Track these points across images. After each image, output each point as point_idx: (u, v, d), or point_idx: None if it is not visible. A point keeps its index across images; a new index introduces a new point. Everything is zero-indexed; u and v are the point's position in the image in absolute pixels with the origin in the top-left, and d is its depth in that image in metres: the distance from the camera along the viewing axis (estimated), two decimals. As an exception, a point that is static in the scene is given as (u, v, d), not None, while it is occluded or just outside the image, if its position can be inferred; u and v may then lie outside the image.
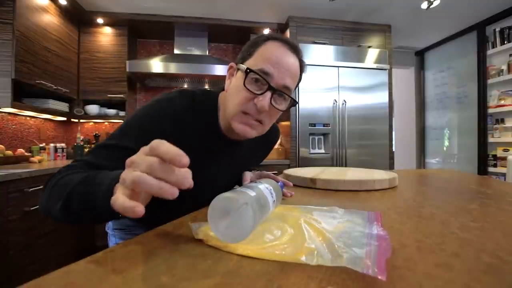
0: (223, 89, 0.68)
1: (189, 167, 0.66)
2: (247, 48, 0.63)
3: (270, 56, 0.58)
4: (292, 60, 0.60)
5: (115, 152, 0.54)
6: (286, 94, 0.60)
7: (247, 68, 0.57)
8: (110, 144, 0.55)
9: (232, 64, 0.65)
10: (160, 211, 0.70)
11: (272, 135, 0.87)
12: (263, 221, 0.42)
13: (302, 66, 0.64)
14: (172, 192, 0.29)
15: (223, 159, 0.70)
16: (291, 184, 0.70)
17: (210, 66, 2.54)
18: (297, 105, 2.49)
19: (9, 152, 1.90)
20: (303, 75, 0.67)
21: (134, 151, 0.54)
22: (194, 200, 0.67)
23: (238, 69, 0.61)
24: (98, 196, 0.38)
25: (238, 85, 0.59)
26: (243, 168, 0.80)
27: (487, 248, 0.35)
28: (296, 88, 0.66)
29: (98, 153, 0.54)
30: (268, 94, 0.57)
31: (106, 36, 2.61)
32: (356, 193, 0.76)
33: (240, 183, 0.81)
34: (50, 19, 2.13)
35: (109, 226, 0.85)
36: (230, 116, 0.60)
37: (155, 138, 0.57)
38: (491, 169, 2.77)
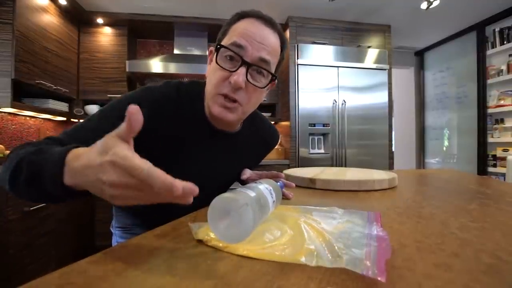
0: None
1: (176, 157, 0.66)
2: (222, 29, 0.61)
3: (243, 30, 0.55)
4: (268, 34, 0.57)
5: (90, 134, 0.51)
6: (263, 69, 0.56)
7: (218, 44, 0.55)
8: (87, 126, 0.53)
9: (212, 48, 0.63)
10: (157, 210, 0.70)
11: (270, 137, 0.85)
12: (263, 222, 0.42)
13: (283, 42, 0.61)
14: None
15: (213, 151, 0.68)
16: (293, 185, 0.69)
17: (210, 66, 2.54)
18: (297, 105, 2.49)
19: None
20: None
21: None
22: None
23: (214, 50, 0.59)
24: (47, 164, 0.37)
25: (213, 66, 0.57)
26: (238, 166, 0.78)
27: (486, 248, 0.35)
28: (278, 66, 0.62)
29: (72, 133, 0.52)
30: (243, 69, 0.54)
31: (106, 36, 2.61)
32: (355, 193, 0.76)
33: (240, 184, 0.80)
34: (50, 19, 2.13)
35: (112, 224, 0.85)
36: (208, 100, 0.59)
37: None
38: (490, 169, 2.77)
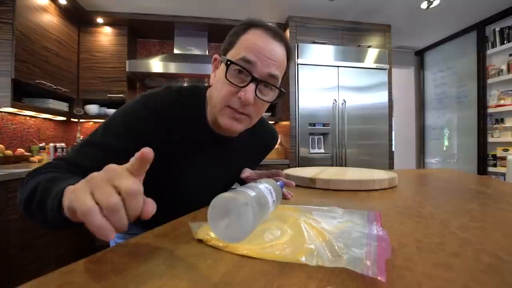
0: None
1: (178, 163, 0.66)
2: (228, 38, 0.60)
3: (252, 44, 0.55)
4: (276, 48, 0.57)
5: (96, 150, 0.53)
6: (271, 85, 0.57)
7: (228, 60, 0.54)
8: (93, 142, 0.54)
9: (216, 56, 0.63)
10: (157, 211, 0.70)
11: (269, 138, 0.85)
12: (263, 221, 0.42)
13: (289, 53, 0.61)
14: (106, 235, 0.27)
15: (214, 156, 0.68)
16: (293, 184, 0.69)
17: (210, 66, 2.51)
18: (297, 105, 2.49)
19: (9, 152, 1.90)
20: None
21: (117, 148, 0.54)
22: (188, 199, 0.67)
23: (221, 61, 0.59)
24: (49, 197, 0.38)
25: (222, 79, 0.57)
26: (238, 169, 0.78)
27: (486, 248, 0.35)
28: (283, 77, 0.63)
29: (80, 151, 0.53)
30: (252, 85, 0.54)
31: (106, 36, 2.61)
32: (355, 193, 0.76)
33: (240, 183, 0.80)
34: (50, 18, 2.13)
35: None
36: (216, 111, 0.59)
37: (139, 134, 0.58)
38: (490, 169, 2.77)
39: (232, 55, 0.57)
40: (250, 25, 0.58)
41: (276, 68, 0.57)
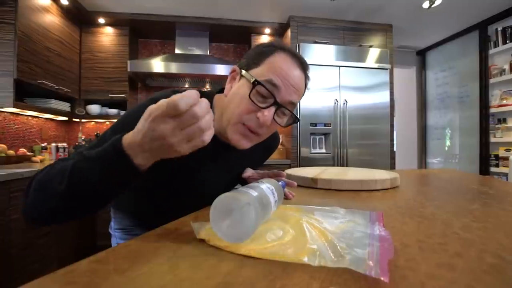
0: (219, 91, 0.66)
1: (181, 167, 0.66)
2: (254, 55, 0.60)
3: (279, 69, 0.56)
4: (300, 76, 0.58)
5: None
6: (290, 111, 0.59)
7: (255, 80, 0.54)
8: (99, 144, 0.52)
9: (235, 68, 0.62)
10: (158, 212, 0.70)
11: (272, 140, 0.85)
12: (265, 221, 0.42)
13: (306, 82, 0.63)
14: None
15: (216, 161, 0.68)
16: (295, 184, 0.68)
17: (211, 66, 2.54)
18: (299, 105, 2.48)
19: (11, 152, 1.90)
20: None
21: None
22: (190, 200, 0.67)
23: (242, 76, 0.58)
24: (108, 156, 0.39)
25: (241, 94, 0.56)
26: (240, 171, 0.78)
27: (489, 248, 0.35)
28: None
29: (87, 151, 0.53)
30: (272, 109, 0.55)
31: (107, 36, 2.61)
32: (357, 193, 0.75)
33: (241, 183, 0.80)
34: (52, 19, 2.14)
35: (111, 226, 0.85)
36: (227, 124, 0.58)
37: None
38: (493, 169, 2.76)
39: (256, 74, 0.56)
40: (278, 47, 0.59)
41: (297, 96, 0.59)
